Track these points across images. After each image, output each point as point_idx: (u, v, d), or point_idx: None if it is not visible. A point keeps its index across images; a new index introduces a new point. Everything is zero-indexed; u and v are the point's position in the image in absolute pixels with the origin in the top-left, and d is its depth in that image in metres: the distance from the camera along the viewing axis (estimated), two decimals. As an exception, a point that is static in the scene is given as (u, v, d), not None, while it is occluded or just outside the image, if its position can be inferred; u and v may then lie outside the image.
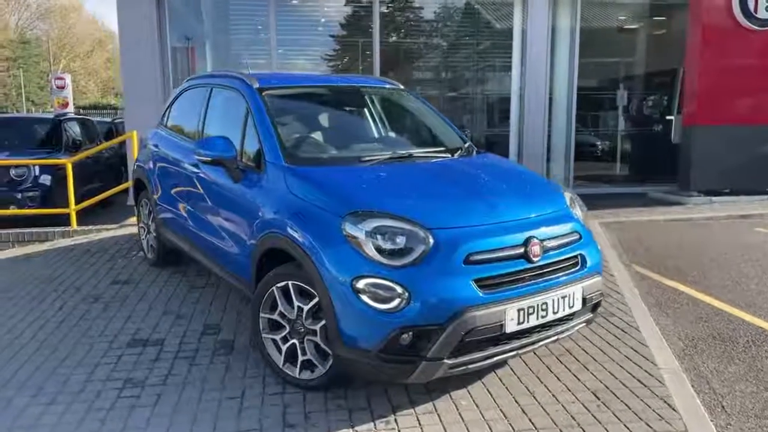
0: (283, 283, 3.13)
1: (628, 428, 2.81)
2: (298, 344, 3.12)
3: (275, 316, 3.21)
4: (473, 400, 3.06)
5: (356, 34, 10.01)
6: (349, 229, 2.81)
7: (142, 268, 5.33)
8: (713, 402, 3.16)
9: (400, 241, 2.75)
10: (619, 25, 11.77)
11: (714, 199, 9.24)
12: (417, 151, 3.81)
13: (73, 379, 3.29)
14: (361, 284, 2.70)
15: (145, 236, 5.43)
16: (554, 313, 2.94)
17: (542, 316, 2.89)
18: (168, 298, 4.57)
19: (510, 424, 2.84)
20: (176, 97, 5.07)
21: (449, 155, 3.84)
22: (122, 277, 5.12)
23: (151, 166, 5.00)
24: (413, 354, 2.70)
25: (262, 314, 3.26)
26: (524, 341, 2.93)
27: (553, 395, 3.11)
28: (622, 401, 3.04)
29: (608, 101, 12.45)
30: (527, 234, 2.94)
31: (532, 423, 2.86)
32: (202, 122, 4.32)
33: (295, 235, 2.99)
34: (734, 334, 4.05)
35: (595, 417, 2.89)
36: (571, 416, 2.90)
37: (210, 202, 3.93)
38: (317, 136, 3.84)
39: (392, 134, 4.23)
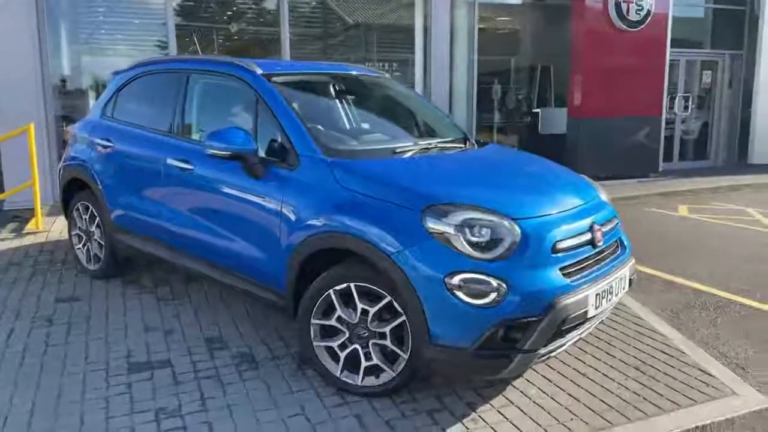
0: (342, 286, 2.90)
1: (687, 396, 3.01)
2: (360, 350, 2.92)
3: (332, 322, 2.97)
4: (540, 389, 3.08)
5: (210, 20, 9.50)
6: (433, 223, 2.67)
7: (84, 281, 4.63)
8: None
9: (488, 233, 2.67)
10: (497, 26, 12.45)
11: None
12: (437, 141, 3.71)
13: (89, 420, 2.77)
14: (455, 280, 2.59)
15: (84, 245, 4.71)
16: (616, 295, 3.05)
17: (609, 300, 2.98)
18: (140, 313, 4.02)
19: (586, 406, 2.91)
20: (123, 84, 4.45)
21: (463, 145, 3.80)
22: (65, 293, 4.40)
23: (101, 163, 4.33)
24: (510, 348, 2.64)
25: (314, 321, 3.00)
26: (592, 324, 3.01)
27: (601, 372, 3.23)
28: (664, 374, 3.25)
29: (485, 95, 13.16)
30: (589, 220, 3.01)
31: (603, 401, 2.96)
32: (180, 114, 3.83)
33: (365, 233, 2.78)
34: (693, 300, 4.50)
35: (644, 390, 3.06)
36: (625, 386, 3.04)
37: (214, 202, 3.50)
38: (336, 126, 3.59)
39: (403, 124, 4.07)
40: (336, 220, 2.91)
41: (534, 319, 2.61)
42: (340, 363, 2.97)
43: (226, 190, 3.41)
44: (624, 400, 2.98)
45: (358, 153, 3.32)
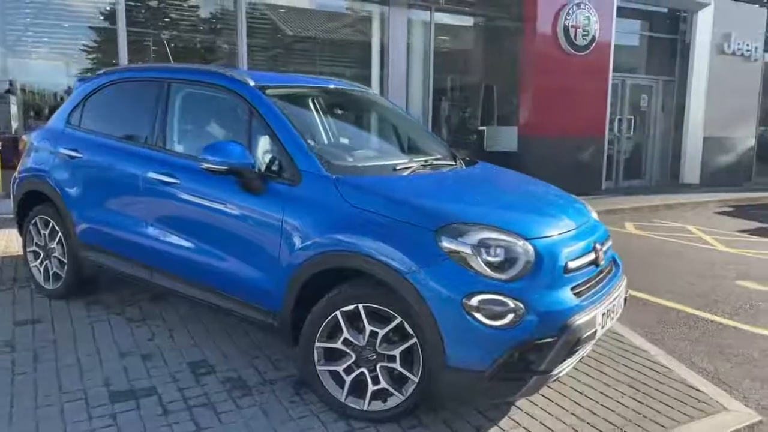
0: (350, 307, 2.80)
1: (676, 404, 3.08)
2: (368, 373, 2.82)
3: (337, 345, 2.86)
4: (543, 410, 3.07)
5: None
6: (448, 243, 2.63)
7: (42, 302, 4.28)
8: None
9: (503, 253, 2.64)
10: (444, 46, 12.67)
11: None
12: (432, 159, 3.68)
13: (77, 455, 2.54)
14: (473, 302, 2.55)
15: (41, 262, 4.37)
16: (616, 314, 3.09)
17: (611, 318, 3.02)
18: (112, 337, 3.75)
19: (592, 426, 2.93)
20: (90, 93, 4.17)
21: (455, 162, 3.78)
22: (23, 315, 4.06)
23: (66, 175, 4.03)
24: (525, 370, 2.62)
25: (318, 344, 2.88)
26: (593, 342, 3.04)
27: (597, 390, 3.27)
28: (656, 391, 3.32)
29: (435, 113, 13.33)
30: (591, 240, 3.05)
31: (606, 420, 2.98)
32: (161, 125, 3.62)
33: (377, 252, 2.69)
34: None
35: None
36: (623, 404, 3.09)
37: (203, 218, 3.31)
38: (332, 141, 3.49)
39: (394, 140, 4.01)
40: (344, 239, 2.81)
41: (550, 339, 2.59)
42: (346, 387, 2.86)
43: (218, 206, 3.24)
44: (626, 419, 3.02)
45: (360, 169, 3.24)
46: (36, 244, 4.39)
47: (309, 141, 3.17)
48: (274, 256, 3.04)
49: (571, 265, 2.79)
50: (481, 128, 12.11)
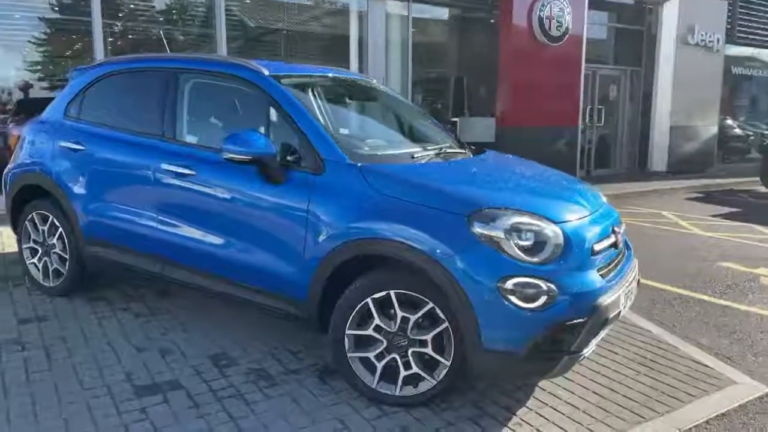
0: (381, 294, 2.83)
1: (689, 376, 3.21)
2: (399, 359, 2.85)
3: (369, 332, 2.88)
4: (566, 389, 3.15)
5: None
6: (480, 228, 2.67)
7: (42, 299, 4.17)
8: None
9: (534, 236, 2.70)
10: (419, 38, 12.72)
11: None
12: (444, 147, 3.71)
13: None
14: (508, 285, 2.60)
15: (40, 259, 4.25)
16: (633, 294, 3.19)
17: (630, 299, 3.12)
18: (123, 332, 3.69)
19: (615, 403, 3.03)
20: (90, 83, 4.06)
21: (463, 150, 3.82)
22: (26, 313, 3.95)
23: (68, 168, 3.92)
24: (558, 350, 2.69)
25: (348, 332, 2.90)
26: (612, 323, 3.13)
27: (612, 369, 3.37)
28: (668, 368, 3.45)
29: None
30: (609, 223, 3.14)
31: (627, 397, 3.09)
32: (172, 116, 3.55)
33: (410, 239, 2.72)
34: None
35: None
36: (640, 382, 3.20)
37: (222, 210, 3.27)
38: (347, 129, 3.49)
39: (403, 129, 4.02)
40: (374, 226, 2.83)
41: (581, 320, 2.67)
42: (377, 374, 2.89)
43: (239, 196, 3.21)
44: (645, 395, 3.13)
45: (380, 158, 3.25)
46: (33, 240, 4.26)
47: (330, 130, 3.17)
48: (298, 245, 3.04)
49: (597, 247, 2.87)
50: (453, 119, 12.21)
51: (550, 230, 2.73)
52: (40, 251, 4.24)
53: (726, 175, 13.82)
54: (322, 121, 3.20)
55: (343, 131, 3.48)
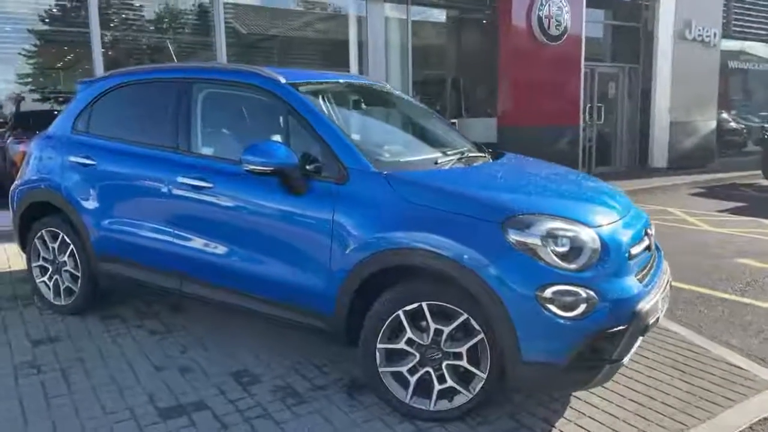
0: (413, 306, 2.74)
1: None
2: (433, 372, 2.76)
3: (400, 345, 2.79)
4: (601, 397, 3.07)
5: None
6: (515, 235, 2.59)
7: (54, 319, 4.05)
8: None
9: (570, 242, 2.62)
10: (424, 41, 12.67)
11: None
12: (465, 151, 3.62)
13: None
14: (547, 293, 2.52)
15: (50, 277, 4.13)
16: (668, 298, 3.11)
17: (666, 302, 3.04)
18: (140, 351, 3.58)
19: (653, 410, 2.95)
20: (98, 96, 3.96)
21: (483, 154, 3.74)
22: (38, 333, 3.83)
23: (79, 184, 3.81)
24: (599, 359, 2.61)
25: (379, 345, 2.81)
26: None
27: (646, 374, 3.29)
28: (701, 371, 3.37)
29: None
30: (641, 225, 3.06)
31: (665, 404, 3.01)
32: (186, 127, 3.45)
33: (443, 248, 2.63)
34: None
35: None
36: (676, 387, 3.12)
37: (242, 223, 3.18)
38: (368, 136, 3.40)
39: (420, 133, 3.93)
40: (405, 236, 2.74)
41: (622, 327, 2.59)
42: (410, 388, 2.80)
43: (259, 208, 3.12)
44: (683, 401, 3.05)
45: (404, 165, 3.16)
46: (43, 258, 4.15)
47: (352, 137, 3.08)
48: (324, 257, 2.94)
49: (633, 251, 2.80)
50: (453, 120, 12.14)
51: (587, 235, 2.65)
52: (50, 269, 4.13)
53: (726, 169, 13.80)
54: (343, 128, 3.11)
55: (363, 138, 3.38)
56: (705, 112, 14.44)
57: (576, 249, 2.61)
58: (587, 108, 12.69)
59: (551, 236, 2.59)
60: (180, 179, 3.36)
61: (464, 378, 2.76)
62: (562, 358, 2.54)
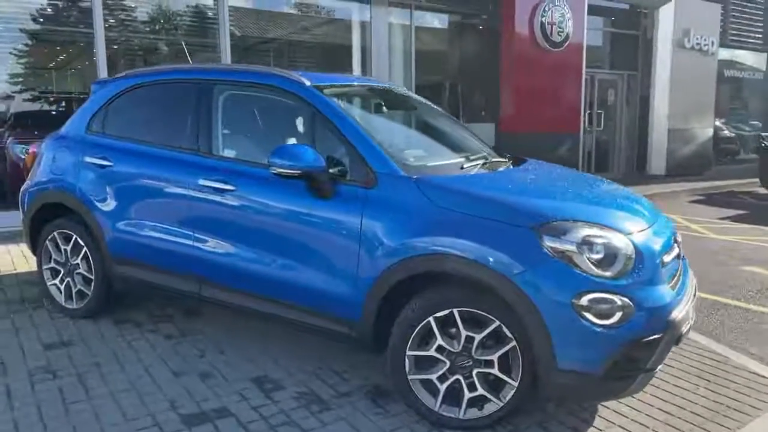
0: (444, 312, 2.70)
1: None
2: (463, 380, 2.72)
3: (431, 352, 2.75)
4: (630, 406, 3.04)
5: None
6: (551, 242, 2.56)
7: (65, 323, 3.98)
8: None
9: (603, 249, 2.59)
10: (427, 47, 12.64)
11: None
12: (488, 157, 3.59)
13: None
14: (583, 301, 2.49)
15: (61, 280, 4.06)
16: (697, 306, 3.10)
17: (695, 311, 3.02)
18: (157, 356, 3.52)
19: (682, 419, 2.92)
20: (114, 97, 3.90)
21: (505, 160, 3.71)
22: (50, 337, 3.76)
23: (95, 185, 3.75)
24: (634, 368, 2.58)
25: (409, 353, 2.77)
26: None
27: (671, 384, 3.27)
28: (725, 380, 3.35)
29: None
30: (670, 233, 3.04)
31: (693, 413, 2.98)
32: (208, 130, 3.40)
33: (475, 254, 2.60)
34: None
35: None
36: (702, 395, 3.10)
37: (265, 226, 3.13)
38: (394, 140, 3.36)
39: (441, 138, 3.87)
40: (435, 242, 2.70)
41: (657, 336, 2.56)
42: (440, 396, 2.76)
43: (284, 212, 3.07)
44: (711, 410, 3.03)
45: (431, 169, 3.12)
46: (55, 260, 4.07)
47: (379, 141, 3.04)
48: (351, 262, 2.90)
49: (665, 259, 2.77)
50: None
51: (621, 242, 2.62)
52: (62, 272, 4.05)
53: (722, 177, 13.86)
54: (370, 132, 3.07)
55: (388, 142, 3.33)
56: (702, 119, 14.51)
57: (611, 256, 2.58)
58: (587, 114, 12.72)
59: (587, 243, 2.56)
60: (201, 182, 3.31)
61: (494, 386, 2.73)
62: (598, 367, 2.51)
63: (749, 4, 16.05)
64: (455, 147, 3.72)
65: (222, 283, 3.36)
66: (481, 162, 3.41)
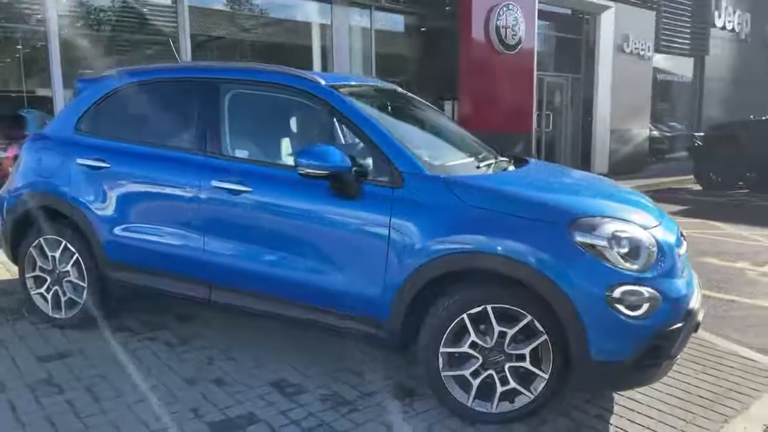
0: (478, 309, 2.75)
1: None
2: (496, 375, 2.78)
3: (464, 349, 2.79)
4: (642, 393, 3.17)
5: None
6: (582, 237, 2.65)
7: (53, 334, 3.76)
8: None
9: (628, 243, 2.70)
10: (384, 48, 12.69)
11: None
12: (497, 157, 3.66)
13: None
14: (616, 294, 2.59)
15: (47, 289, 3.84)
16: (701, 298, 3.27)
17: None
18: (164, 364, 3.39)
19: (694, 403, 3.09)
20: (106, 95, 3.72)
21: (509, 160, 3.80)
22: (43, 350, 3.55)
23: (90, 188, 3.56)
24: (659, 356, 2.71)
25: (442, 350, 2.80)
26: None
27: (676, 370, 3.44)
28: (724, 366, 3.56)
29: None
30: (676, 228, 3.20)
31: (701, 396, 3.16)
32: (217, 130, 3.30)
33: (510, 251, 2.66)
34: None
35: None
36: (704, 380, 3.30)
37: (288, 228, 3.08)
38: (408, 141, 3.36)
39: (447, 139, 3.90)
40: (469, 240, 2.75)
41: (680, 325, 2.70)
42: (473, 391, 2.80)
43: (307, 213, 3.03)
44: (715, 393, 3.22)
45: (452, 168, 3.16)
46: (40, 268, 3.85)
47: (402, 140, 3.06)
48: (380, 263, 2.90)
49: (680, 252, 2.92)
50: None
51: (644, 236, 2.75)
52: (48, 280, 3.84)
53: (658, 175, 14.62)
54: (392, 131, 3.08)
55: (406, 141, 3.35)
56: (640, 120, 15.28)
57: (635, 250, 2.70)
58: (536, 116, 13.12)
59: (615, 238, 2.67)
60: (214, 183, 3.22)
61: (525, 379, 2.79)
62: (629, 357, 2.62)
63: (678, 13, 16.95)
64: (462, 147, 3.77)
65: (234, 287, 3.28)
66: (492, 161, 3.48)
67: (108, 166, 3.54)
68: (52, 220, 3.76)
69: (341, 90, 3.22)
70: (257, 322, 3.87)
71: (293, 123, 3.39)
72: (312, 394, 3.08)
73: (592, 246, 2.64)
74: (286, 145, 3.38)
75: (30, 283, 3.90)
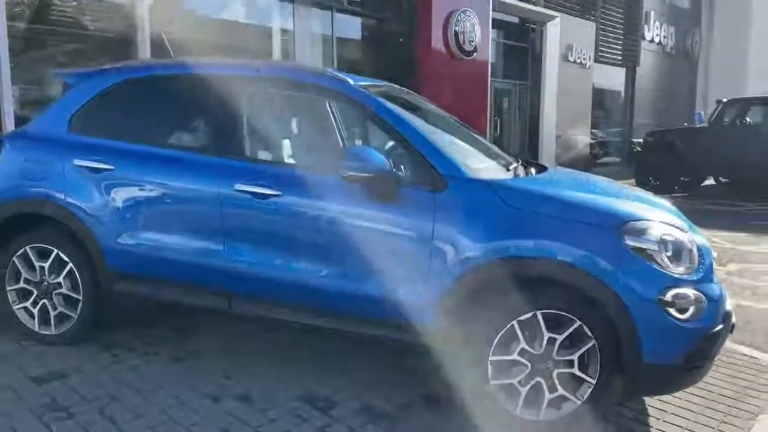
0: (527, 315, 2.70)
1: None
2: (544, 382, 2.74)
3: (514, 356, 2.73)
4: (673, 396, 3.23)
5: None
6: (632, 241, 2.66)
7: (41, 352, 3.42)
8: None
9: (673, 246, 2.73)
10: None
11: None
12: (520, 161, 3.63)
13: None
14: (668, 297, 2.62)
15: (34, 302, 3.49)
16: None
17: (727, 306, 3.28)
18: (178, 381, 3.15)
19: (720, 403, 3.16)
20: (103, 92, 3.42)
21: (527, 163, 3.77)
22: (36, 370, 3.21)
23: (90, 192, 3.26)
24: (704, 358, 2.76)
25: (492, 358, 2.73)
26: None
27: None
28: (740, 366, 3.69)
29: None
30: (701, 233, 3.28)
31: (722, 395, 3.24)
32: (239, 131, 3.10)
33: (562, 255, 2.63)
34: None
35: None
36: (726, 383, 3.40)
37: (325, 234, 2.92)
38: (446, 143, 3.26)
39: (469, 141, 3.79)
40: (520, 244, 2.70)
41: (721, 327, 2.76)
42: (521, 399, 2.76)
43: (345, 218, 2.89)
44: (735, 391, 3.31)
45: (486, 171, 3.10)
46: (25, 280, 3.50)
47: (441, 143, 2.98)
48: (422, 268, 2.81)
49: (714, 254, 2.99)
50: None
51: (687, 239, 2.79)
52: (35, 293, 3.49)
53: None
54: (429, 133, 3.00)
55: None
56: (582, 126, 15.86)
57: (679, 253, 2.74)
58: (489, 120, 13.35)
59: (663, 241, 2.69)
60: (238, 186, 3.02)
61: (571, 385, 2.77)
62: (679, 359, 2.65)
63: (612, 24, 17.71)
64: (485, 151, 3.71)
65: (259, 297, 3.10)
66: (515, 164, 3.45)
67: (112, 168, 3.26)
68: (38, 228, 3.43)
69: (372, 90, 3.11)
70: (262, 331, 3.70)
71: (327, 124, 3.23)
72: (345, 408, 2.95)
73: (643, 249, 2.65)
74: (314, 146, 3.23)
75: (12, 296, 3.54)
